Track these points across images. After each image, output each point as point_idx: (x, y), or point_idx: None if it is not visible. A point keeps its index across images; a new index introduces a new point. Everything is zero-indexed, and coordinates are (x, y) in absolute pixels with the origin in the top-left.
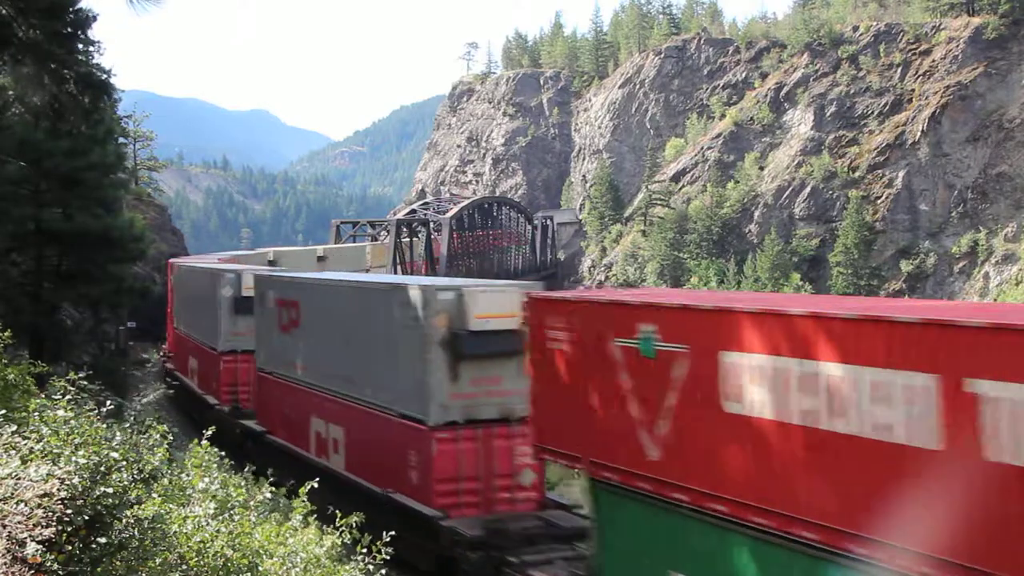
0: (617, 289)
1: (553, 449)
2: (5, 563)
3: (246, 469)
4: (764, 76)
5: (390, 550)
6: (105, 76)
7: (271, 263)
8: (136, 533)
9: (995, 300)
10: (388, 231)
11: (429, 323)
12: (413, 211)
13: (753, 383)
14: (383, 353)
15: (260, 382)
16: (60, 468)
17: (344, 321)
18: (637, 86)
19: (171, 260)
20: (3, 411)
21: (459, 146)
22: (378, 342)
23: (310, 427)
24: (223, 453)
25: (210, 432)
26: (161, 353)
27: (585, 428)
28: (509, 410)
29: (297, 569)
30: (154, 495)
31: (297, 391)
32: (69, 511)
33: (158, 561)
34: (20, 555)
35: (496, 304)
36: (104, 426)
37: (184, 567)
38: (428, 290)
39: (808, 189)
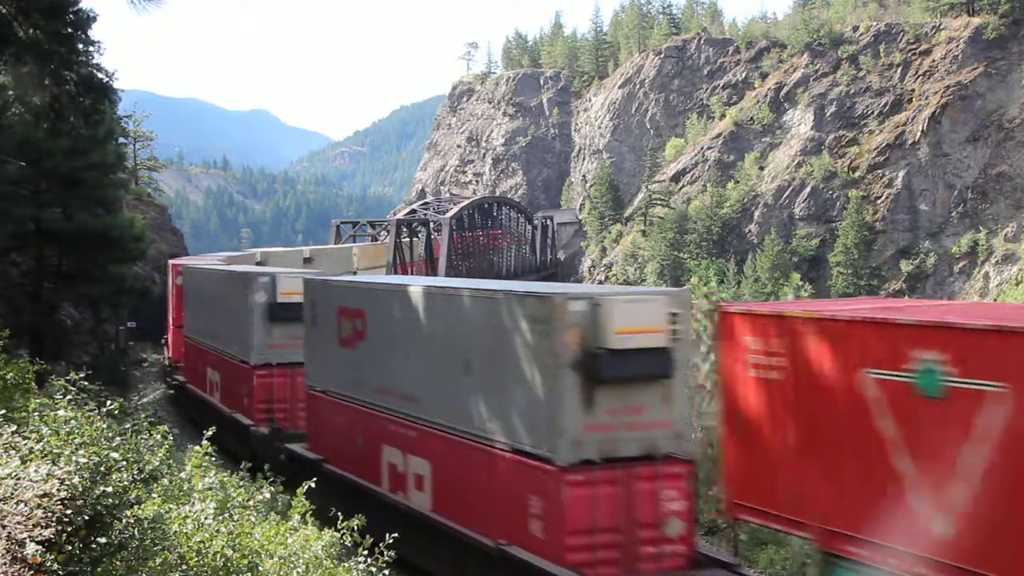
0: (857, 298)
1: (758, 508)
2: (5, 563)
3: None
4: (764, 76)
5: (392, 553)
6: (107, 79)
7: (259, 263)
8: (136, 533)
9: (995, 300)
10: (388, 231)
11: (558, 340)
12: (413, 211)
13: None
14: (490, 375)
15: (312, 402)
16: (60, 468)
17: (431, 335)
18: (637, 86)
19: (174, 262)
20: (3, 411)
21: (459, 146)
22: (482, 362)
23: (381, 457)
24: (276, 485)
25: (211, 432)
26: (166, 362)
27: (814, 486)
28: (653, 445)
29: (298, 569)
30: (154, 495)
31: (363, 415)
32: (69, 511)
33: (158, 561)
34: (20, 555)
35: (640, 316)
36: (104, 426)
37: (184, 567)
38: (556, 299)
39: (808, 189)
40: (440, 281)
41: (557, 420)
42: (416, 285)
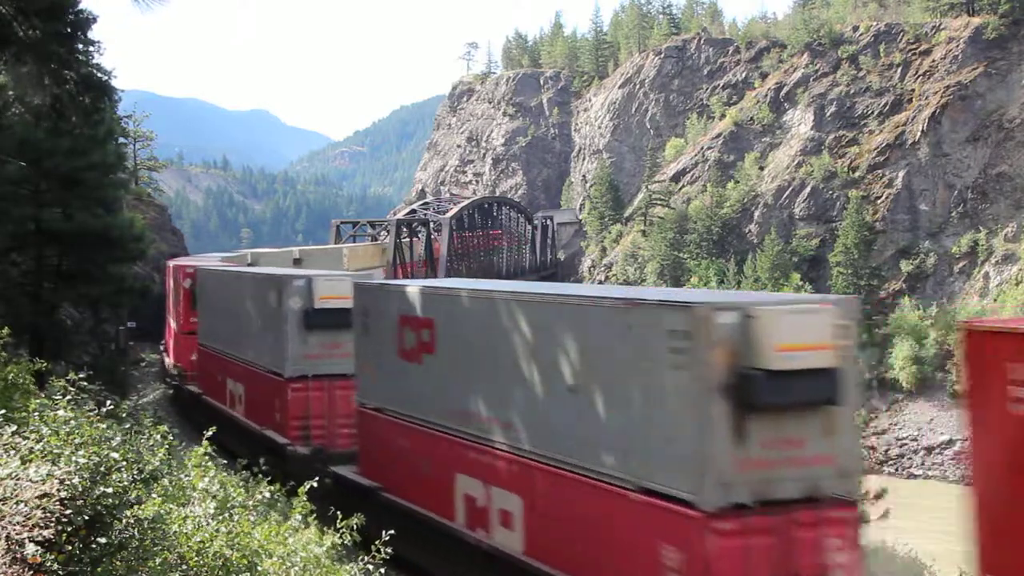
0: None
1: None
2: (5, 563)
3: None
4: (764, 76)
5: (389, 550)
6: (106, 77)
7: (250, 264)
8: (136, 533)
9: (995, 300)
10: (388, 231)
11: (703, 359)
12: (413, 211)
13: None
14: (608, 399)
15: (364, 422)
16: (60, 468)
17: (525, 349)
18: (637, 86)
19: (175, 263)
20: (3, 411)
21: (459, 146)
22: (597, 382)
23: (454, 488)
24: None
25: (211, 432)
26: (173, 370)
27: None
28: (815, 485)
29: (296, 568)
30: (154, 495)
31: (431, 438)
32: (69, 511)
33: (158, 561)
34: (20, 555)
35: (805, 330)
36: (104, 426)
37: (184, 567)
38: (700, 310)
39: (808, 189)
40: (536, 286)
41: (702, 456)
42: (505, 291)
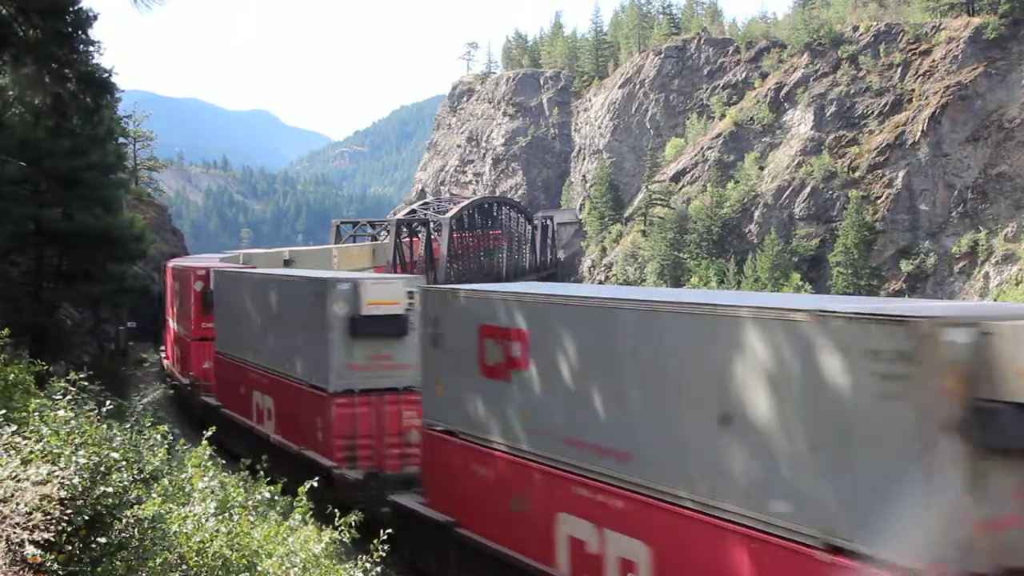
0: None
1: None
2: (5, 564)
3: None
4: (764, 76)
5: (387, 547)
6: (106, 75)
7: (245, 264)
8: (136, 533)
9: (995, 300)
10: (388, 231)
11: (928, 387)
12: (413, 211)
13: None
14: (780, 432)
15: (433, 446)
16: (60, 468)
17: (652, 368)
18: (637, 86)
19: (191, 265)
20: (3, 411)
21: (459, 146)
22: (761, 411)
23: (554, 528)
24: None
25: (210, 432)
26: (186, 382)
27: None
28: None
29: (296, 568)
30: (154, 495)
31: (522, 469)
32: (69, 511)
33: (158, 561)
34: (20, 555)
35: None
36: (104, 426)
37: (184, 567)
38: (924, 325)
39: (808, 189)
40: (664, 293)
41: (927, 510)
42: (627, 298)
